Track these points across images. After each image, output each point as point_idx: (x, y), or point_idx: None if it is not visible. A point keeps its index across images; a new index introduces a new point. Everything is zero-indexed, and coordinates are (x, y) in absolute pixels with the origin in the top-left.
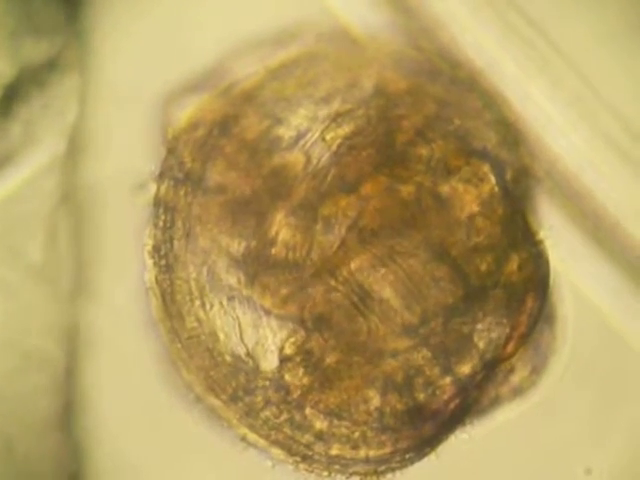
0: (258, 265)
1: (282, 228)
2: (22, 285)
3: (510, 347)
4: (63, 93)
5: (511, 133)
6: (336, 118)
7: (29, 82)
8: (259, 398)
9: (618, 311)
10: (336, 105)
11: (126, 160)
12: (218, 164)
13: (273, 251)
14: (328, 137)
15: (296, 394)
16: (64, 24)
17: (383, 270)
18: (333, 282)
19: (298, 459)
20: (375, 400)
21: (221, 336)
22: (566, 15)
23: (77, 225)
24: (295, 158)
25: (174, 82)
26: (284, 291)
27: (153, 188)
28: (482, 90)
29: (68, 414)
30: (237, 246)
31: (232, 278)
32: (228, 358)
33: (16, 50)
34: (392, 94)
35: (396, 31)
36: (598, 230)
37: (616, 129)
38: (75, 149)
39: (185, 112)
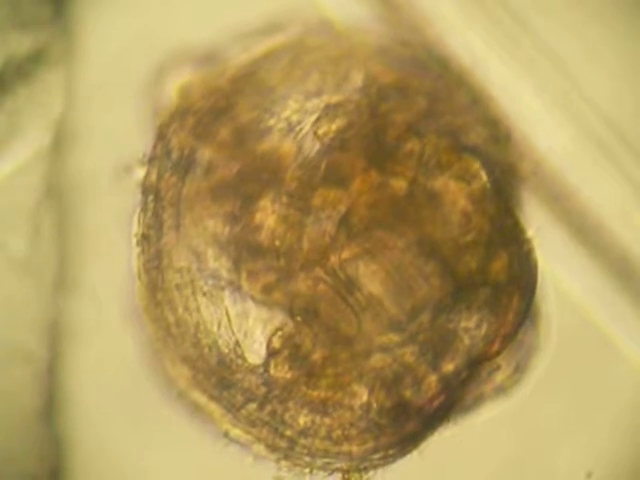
0: (245, 250)
1: (269, 215)
2: (5, 279)
3: (496, 345)
4: (48, 86)
5: (499, 131)
6: (327, 111)
7: (14, 75)
8: (243, 392)
9: (601, 310)
10: (326, 98)
11: (112, 153)
12: (207, 152)
13: (259, 237)
14: (320, 131)
15: (280, 389)
16: (50, 17)
17: (373, 265)
18: (322, 274)
19: (280, 455)
20: (362, 396)
21: (209, 326)
22: (553, 13)
23: (61, 218)
24: (286, 148)
25: (160, 73)
26: (270, 278)
27: (141, 176)
28: (469, 87)
29: (50, 409)
30: (226, 233)
31: (222, 267)
32: (214, 349)
33: (1, 43)
34: (382, 87)
35: (382, 26)
36: (582, 229)
37: (601, 128)
38: (60, 142)
39: (173, 100)
